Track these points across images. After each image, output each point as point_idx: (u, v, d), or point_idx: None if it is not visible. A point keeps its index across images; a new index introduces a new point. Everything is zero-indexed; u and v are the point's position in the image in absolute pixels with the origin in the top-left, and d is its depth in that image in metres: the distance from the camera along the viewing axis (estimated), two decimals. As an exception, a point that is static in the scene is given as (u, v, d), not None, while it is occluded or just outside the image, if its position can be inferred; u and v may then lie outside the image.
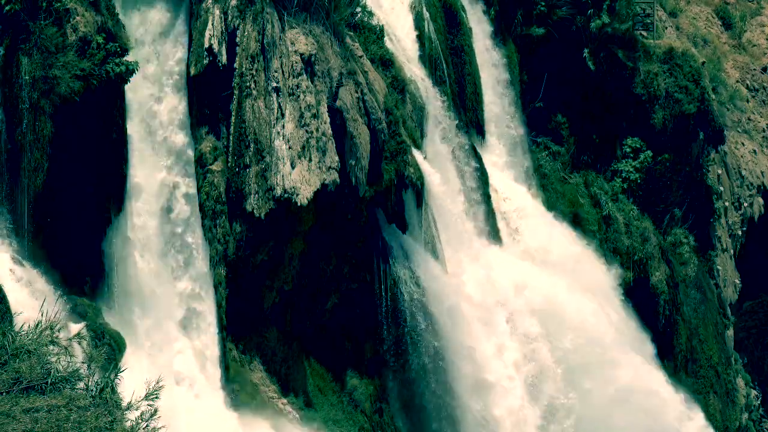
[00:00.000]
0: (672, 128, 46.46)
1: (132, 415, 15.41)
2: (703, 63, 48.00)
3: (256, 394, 33.05)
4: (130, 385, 16.46)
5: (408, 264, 35.32)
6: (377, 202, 34.80)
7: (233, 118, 31.96)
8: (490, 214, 40.05)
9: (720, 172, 48.66)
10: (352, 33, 34.68)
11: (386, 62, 36.19)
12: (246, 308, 32.84)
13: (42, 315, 16.91)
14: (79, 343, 18.73)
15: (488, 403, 36.89)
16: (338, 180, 32.45)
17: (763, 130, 52.93)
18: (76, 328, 26.94)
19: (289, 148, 31.89)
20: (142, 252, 31.20)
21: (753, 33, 55.15)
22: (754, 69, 54.01)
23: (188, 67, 32.02)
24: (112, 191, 30.22)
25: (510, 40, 43.81)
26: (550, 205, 43.59)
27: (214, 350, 32.42)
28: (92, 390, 15.73)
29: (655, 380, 42.24)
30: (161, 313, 31.54)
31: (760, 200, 51.33)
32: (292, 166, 31.86)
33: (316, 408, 34.05)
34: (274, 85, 32.05)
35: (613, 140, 46.20)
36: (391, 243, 35.19)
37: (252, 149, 31.84)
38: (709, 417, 45.51)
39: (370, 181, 33.62)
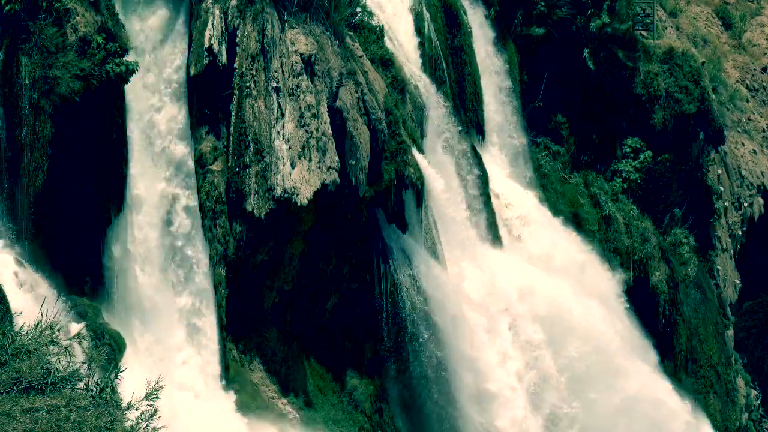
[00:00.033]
0: (672, 128, 46.42)
1: (132, 415, 15.41)
2: (703, 63, 47.97)
3: (256, 395, 33.03)
4: (130, 385, 16.45)
5: (408, 263, 35.29)
6: (377, 202, 34.78)
7: (233, 118, 31.94)
8: (491, 216, 39.98)
9: (720, 172, 48.63)
10: (352, 33, 34.66)
11: (386, 62, 36.17)
12: (246, 308, 32.82)
13: (42, 315, 16.91)
14: (79, 343, 18.73)
15: (491, 414, 36.44)
16: (338, 180, 32.43)
17: (763, 130, 52.90)
18: (76, 328, 26.94)
19: (289, 148, 31.88)
20: (143, 266, 31.09)
21: (753, 33, 55.12)
22: (754, 69, 53.99)
23: (188, 67, 31.99)
24: (112, 191, 30.19)
25: (510, 40, 43.80)
26: (551, 206, 43.48)
27: (215, 367, 32.32)
28: (92, 390, 15.72)
29: (661, 389, 41.65)
30: (162, 329, 31.43)
31: (760, 200, 51.30)
32: (292, 166, 31.85)
33: (316, 408, 34.04)
34: (274, 85, 32.03)
35: (613, 140, 46.17)
36: (391, 243, 35.17)
37: (252, 149, 31.83)
38: (709, 417, 45.47)
39: (370, 181, 33.60)
